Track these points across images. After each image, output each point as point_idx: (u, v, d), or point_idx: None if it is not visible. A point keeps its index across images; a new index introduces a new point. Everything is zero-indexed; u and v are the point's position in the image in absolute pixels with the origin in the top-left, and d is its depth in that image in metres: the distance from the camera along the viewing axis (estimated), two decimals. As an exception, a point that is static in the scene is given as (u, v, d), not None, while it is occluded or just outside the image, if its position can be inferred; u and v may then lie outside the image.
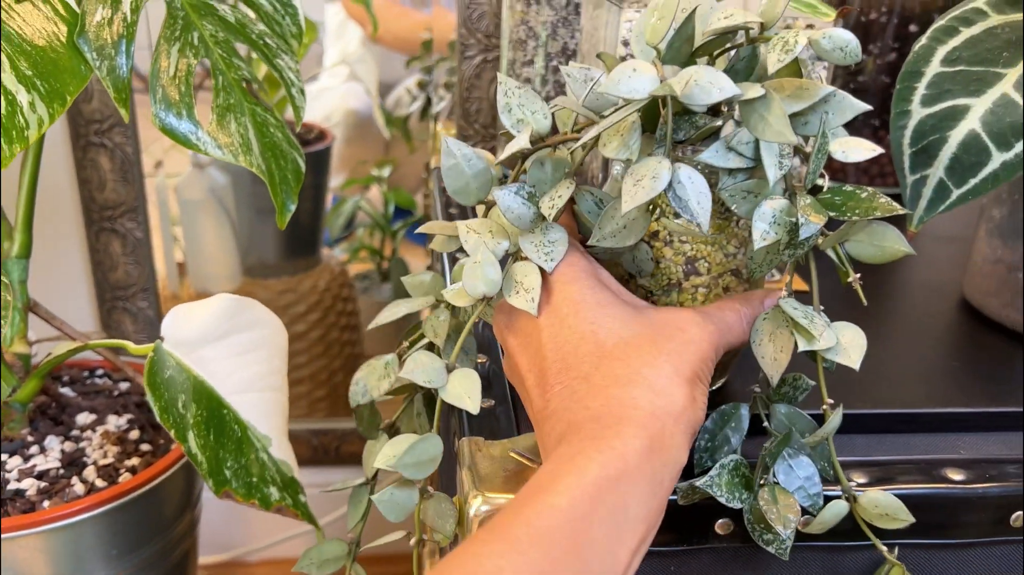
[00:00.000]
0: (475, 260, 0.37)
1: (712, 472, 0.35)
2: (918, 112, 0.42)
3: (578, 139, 0.36)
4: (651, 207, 0.37)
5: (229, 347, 0.46)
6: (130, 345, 0.48)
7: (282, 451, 0.49)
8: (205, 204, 1.19)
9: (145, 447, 0.55)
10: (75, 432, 0.55)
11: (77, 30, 0.42)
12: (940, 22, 0.44)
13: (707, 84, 0.33)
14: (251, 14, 0.52)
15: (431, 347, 0.40)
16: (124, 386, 0.61)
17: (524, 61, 0.70)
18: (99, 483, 0.51)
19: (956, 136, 0.41)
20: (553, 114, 0.39)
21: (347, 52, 1.41)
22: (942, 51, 0.43)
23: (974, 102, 0.41)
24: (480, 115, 0.87)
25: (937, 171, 0.41)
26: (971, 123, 0.41)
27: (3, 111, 0.39)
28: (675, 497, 0.36)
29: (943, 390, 0.45)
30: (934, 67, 0.43)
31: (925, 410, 0.43)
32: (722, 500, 0.35)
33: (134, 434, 0.56)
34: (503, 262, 0.38)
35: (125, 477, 0.52)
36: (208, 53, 0.46)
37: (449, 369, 0.38)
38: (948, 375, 0.46)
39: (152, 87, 0.44)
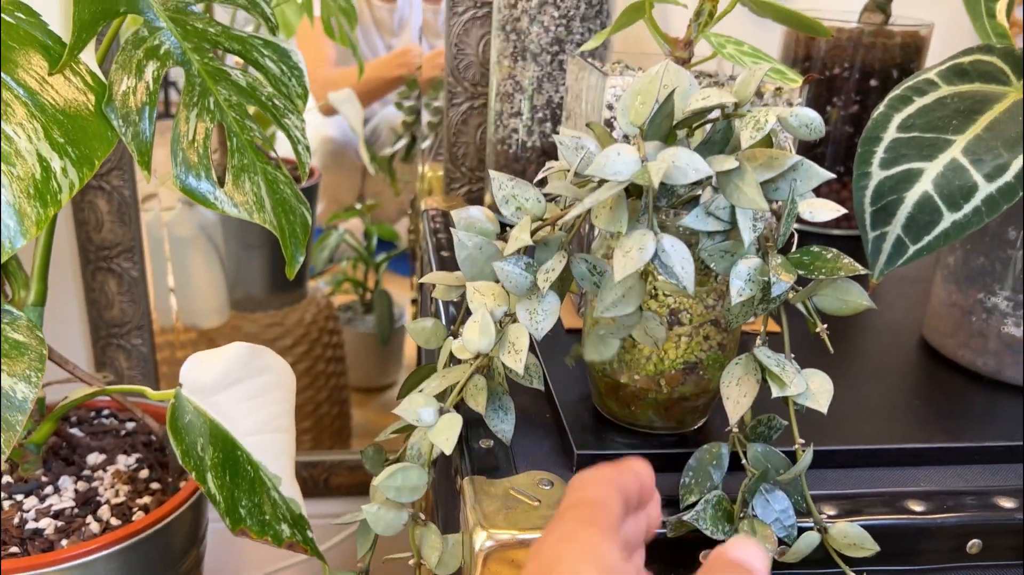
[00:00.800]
0: (474, 320, 0.41)
1: (698, 507, 0.38)
2: (877, 174, 0.47)
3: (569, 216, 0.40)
4: (643, 273, 0.41)
5: (243, 392, 0.49)
6: (149, 391, 0.51)
7: (290, 490, 0.52)
8: (195, 240, 1.22)
9: (155, 486, 0.57)
10: (87, 472, 0.58)
11: (105, 99, 0.45)
12: (896, 91, 0.49)
13: (684, 166, 0.37)
14: (255, 75, 0.56)
15: (441, 395, 0.43)
16: (130, 426, 0.64)
17: (511, 113, 0.74)
18: (114, 522, 0.53)
19: (911, 197, 0.45)
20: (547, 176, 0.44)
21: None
22: (898, 118, 0.48)
23: (927, 166, 0.45)
24: (467, 159, 0.91)
25: (895, 228, 0.45)
26: (925, 185, 0.45)
27: (39, 177, 0.42)
28: (664, 531, 0.40)
29: (905, 427, 0.49)
30: (891, 133, 0.47)
31: (888, 446, 0.47)
32: (707, 532, 0.38)
33: (144, 473, 0.58)
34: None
35: (138, 515, 0.54)
36: (223, 116, 0.50)
37: (442, 412, 0.42)
38: (909, 412, 0.50)
39: (173, 151, 0.47)
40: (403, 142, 1.42)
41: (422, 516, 0.42)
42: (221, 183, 0.48)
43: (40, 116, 0.43)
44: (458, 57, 0.87)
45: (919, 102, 0.48)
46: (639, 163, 0.37)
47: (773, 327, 0.54)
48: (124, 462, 0.59)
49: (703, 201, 0.40)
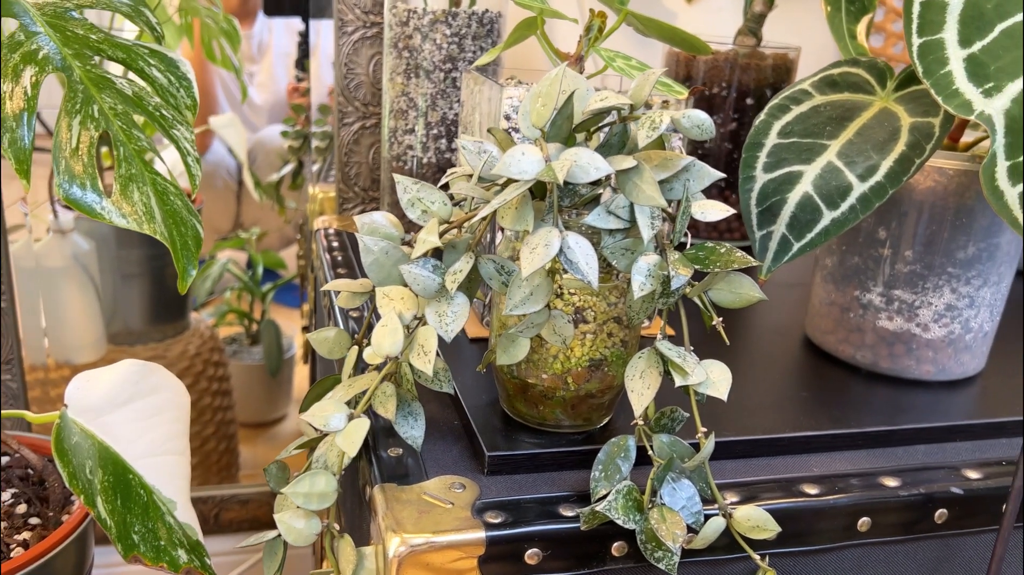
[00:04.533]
0: (383, 325, 0.41)
1: (609, 498, 0.39)
2: (761, 177, 0.49)
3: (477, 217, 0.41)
4: (550, 272, 0.41)
5: (134, 412, 0.47)
6: (29, 414, 0.48)
7: (186, 514, 0.49)
8: (68, 271, 1.15)
9: (35, 520, 0.53)
10: (-45, 510, 0.53)
11: (-21, 104, 0.43)
12: (775, 100, 0.52)
13: (586, 164, 0.38)
14: (143, 85, 0.54)
15: (349, 404, 0.42)
16: (4, 460, 0.59)
17: (405, 129, 0.74)
18: (-11, 560, 0.49)
19: (793, 198, 0.48)
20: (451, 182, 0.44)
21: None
22: (778, 125, 0.51)
23: (806, 169, 0.48)
24: (359, 178, 0.90)
25: (780, 227, 0.48)
26: (805, 186, 0.48)
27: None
28: (578, 523, 0.40)
29: (795, 417, 0.51)
30: (772, 139, 0.50)
31: (782, 435, 0.49)
32: (619, 522, 0.39)
33: (21, 508, 0.54)
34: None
35: (17, 552, 0.50)
36: (108, 125, 0.48)
37: (351, 418, 0.41)
38: (798, 404, 0.53)
39: (55, 159, 0.44)
40: (290, 167, 1.39)
41: (337, 527, 0.41)
42: (108, 193, 0.46)
43: (-94, 120, 0.40)
44: (348, 77, 0.86)
45: (796, 110, 0.51)
46: (543, 162, 0.38)
47: (668, 331, 0.56)
48: (-2, 498, 0.55)
49: (604, 200, 0.41)
